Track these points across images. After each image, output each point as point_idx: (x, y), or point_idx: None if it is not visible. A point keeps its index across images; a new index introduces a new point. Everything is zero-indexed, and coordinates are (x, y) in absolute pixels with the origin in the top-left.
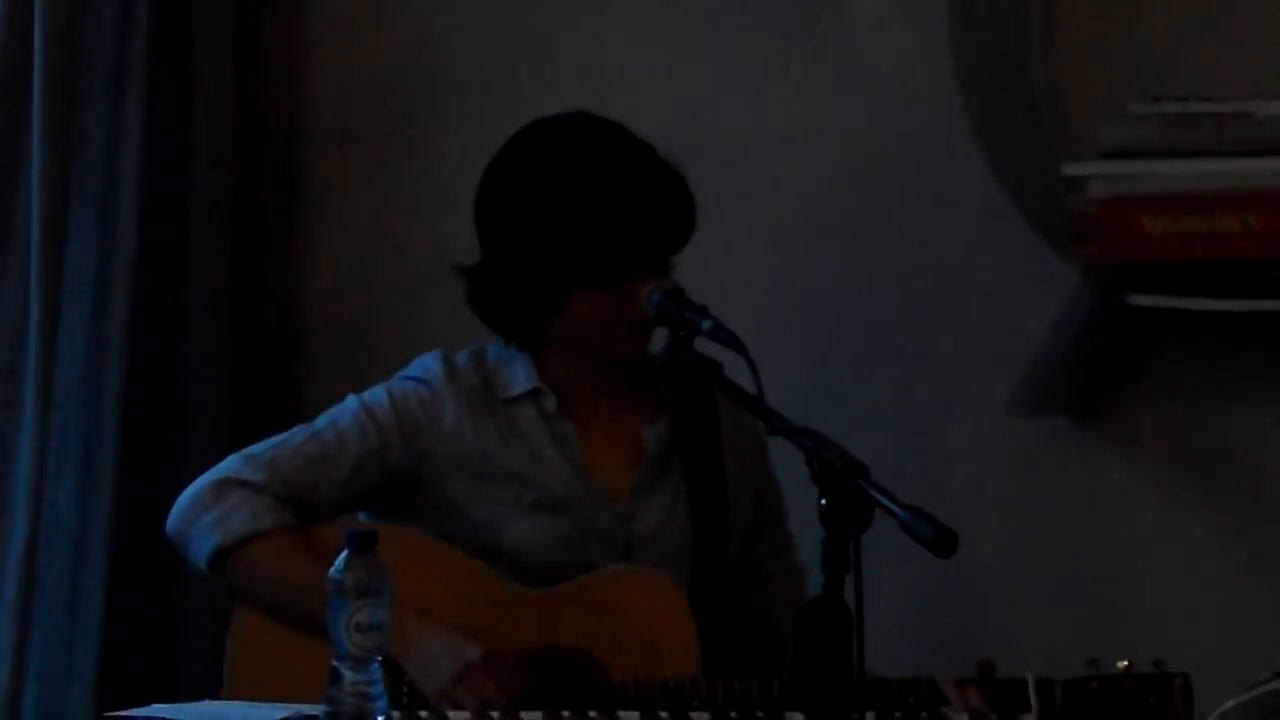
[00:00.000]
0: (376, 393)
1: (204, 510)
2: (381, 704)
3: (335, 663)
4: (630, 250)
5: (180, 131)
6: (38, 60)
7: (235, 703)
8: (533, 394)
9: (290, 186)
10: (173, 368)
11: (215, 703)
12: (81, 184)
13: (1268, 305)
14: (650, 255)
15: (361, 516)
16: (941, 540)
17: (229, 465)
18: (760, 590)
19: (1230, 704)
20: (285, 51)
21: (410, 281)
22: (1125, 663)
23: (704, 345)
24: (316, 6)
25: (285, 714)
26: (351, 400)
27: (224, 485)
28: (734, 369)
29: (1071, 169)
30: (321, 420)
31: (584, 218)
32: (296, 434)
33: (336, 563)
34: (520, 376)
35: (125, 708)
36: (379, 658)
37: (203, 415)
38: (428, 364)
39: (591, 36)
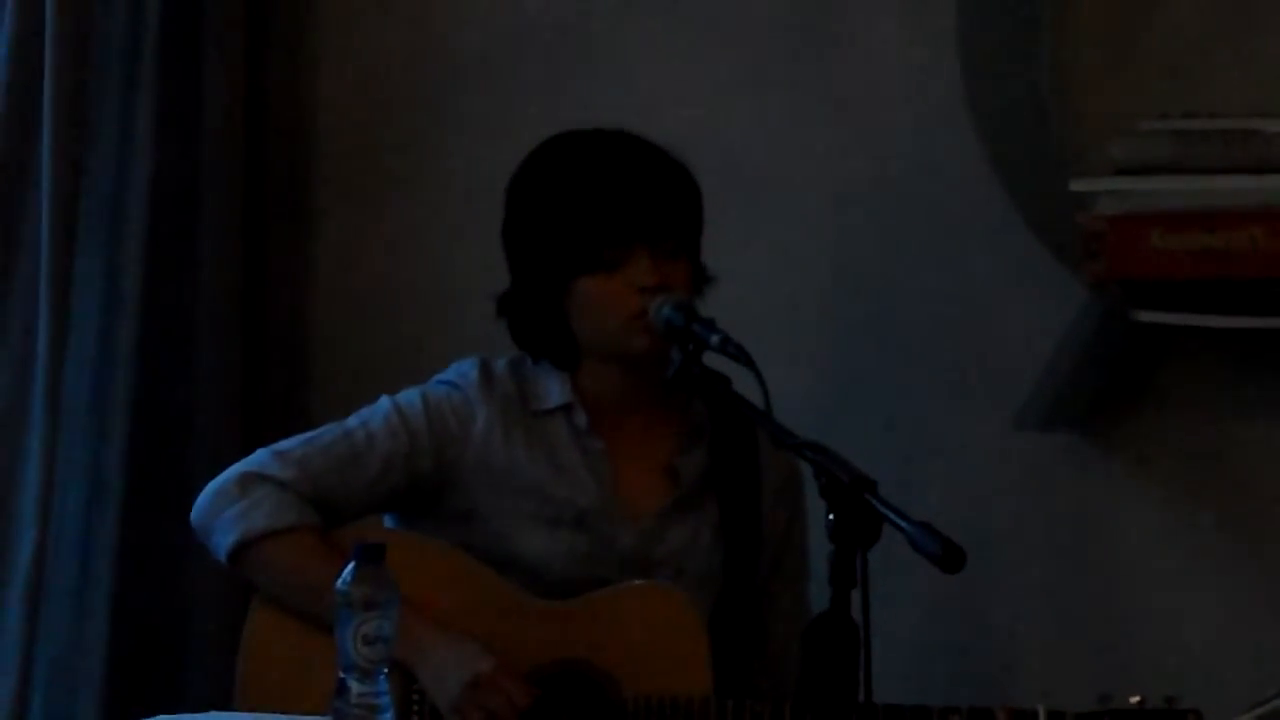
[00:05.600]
0: (410, 395)
1: (229, 503)
2: (387, 716)
3: (342, 674)
4: (607, 224)
5: (190, 141)
6: (48, 67)
7: (240, 714)
8: (565, 409)
9: (300, 197)
10: (181, 377)
11: (219, 714)
12: (91, 193)
13: (1275, 323)
14: (628, 229)
15: (385, 519)
16: (949, 556)
17: (258, 459)
18: (772, 627)
19: None
20: (295, 63)
21: (420, 293)
22: (1137, 699)
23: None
24: (327, 14)
25: None
26: (384, 401)
27: (251, 479)
28: (742, 383)
29: (1080, 185)
30: (353, 420)
31: (562, 198)
32: (327, 432)
33: (344, 575)
34: (554, 390)
35: (131, 717)
36: (385, 670)
37: (210, 425)
38: (465, 370)
39: (604, 51)
